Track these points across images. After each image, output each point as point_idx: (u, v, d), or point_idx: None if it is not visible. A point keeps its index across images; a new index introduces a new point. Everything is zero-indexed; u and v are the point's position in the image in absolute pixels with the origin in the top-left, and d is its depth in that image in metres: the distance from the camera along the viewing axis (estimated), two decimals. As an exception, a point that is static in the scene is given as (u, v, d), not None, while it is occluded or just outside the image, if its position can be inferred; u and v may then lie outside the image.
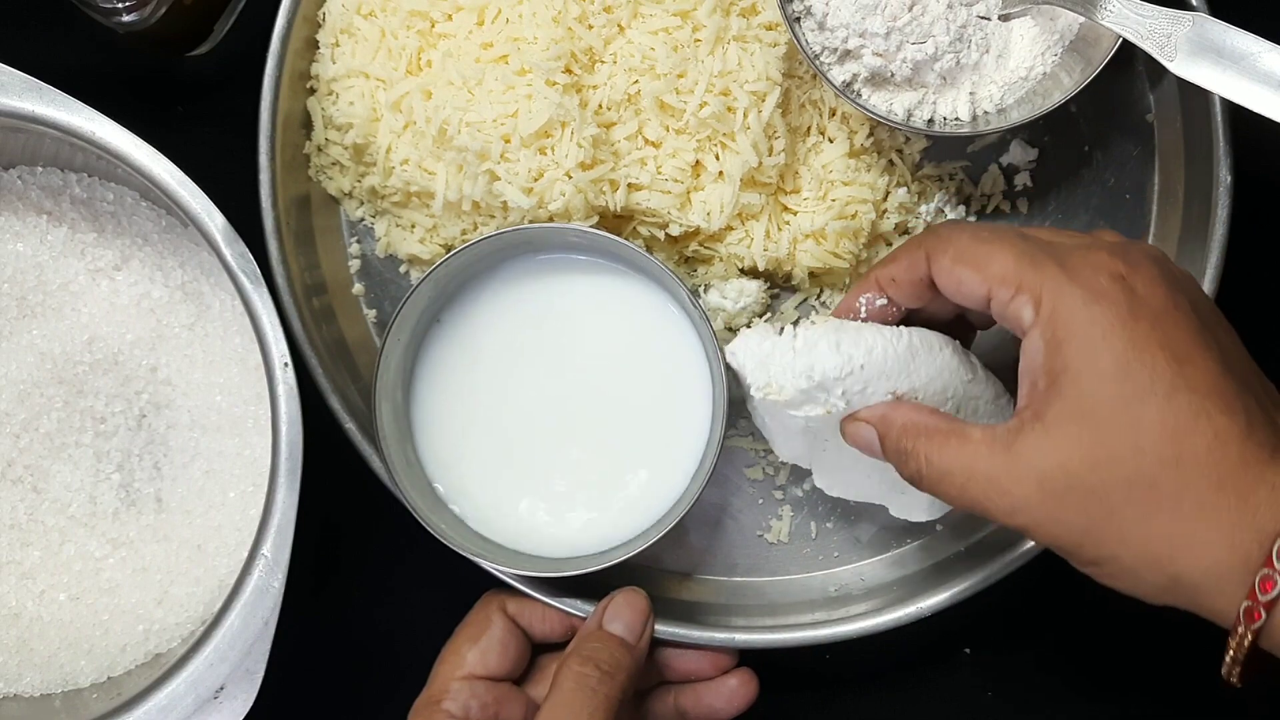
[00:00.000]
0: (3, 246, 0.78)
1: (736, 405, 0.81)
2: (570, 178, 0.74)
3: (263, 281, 0.70)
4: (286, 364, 0.70)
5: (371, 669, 0.85)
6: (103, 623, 0.76)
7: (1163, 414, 0.57)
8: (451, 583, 0.78)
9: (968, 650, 0.84)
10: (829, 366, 0.67)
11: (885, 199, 0.82)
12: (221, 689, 0.70)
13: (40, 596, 0.77)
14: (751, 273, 0.81)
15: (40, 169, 0.79)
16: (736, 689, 0.78)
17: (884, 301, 0.69)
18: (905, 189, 0.82)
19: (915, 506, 0.75)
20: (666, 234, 0.79)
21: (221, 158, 0.77)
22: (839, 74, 0.76)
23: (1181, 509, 0.56)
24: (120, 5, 0.75)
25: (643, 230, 0.79)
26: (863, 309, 0.69)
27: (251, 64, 0.78)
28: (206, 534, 0.77)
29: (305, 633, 0.75)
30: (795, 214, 0.80)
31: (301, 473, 0.70)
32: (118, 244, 0.78)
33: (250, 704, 0.70)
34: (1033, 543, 0.77)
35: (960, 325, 0.72)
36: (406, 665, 0.78)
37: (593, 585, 0.77)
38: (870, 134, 0.80)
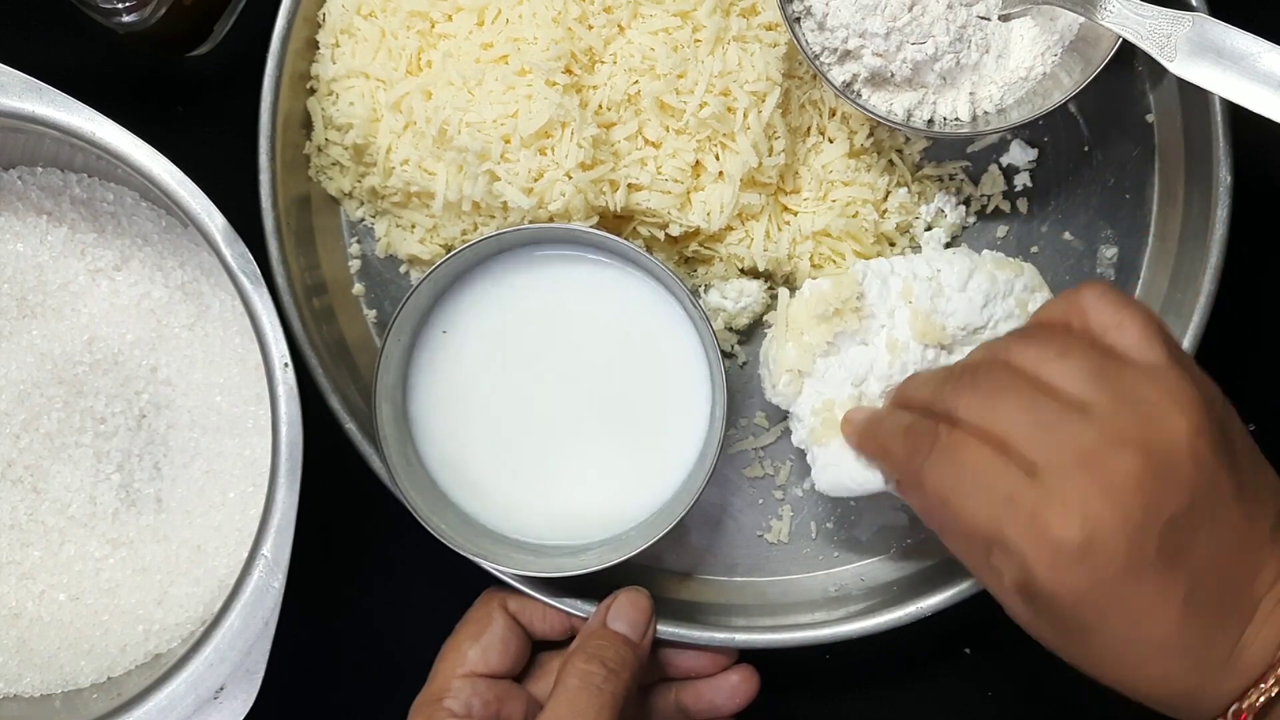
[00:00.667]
0: (3, 247, 0.78)
1: (736, 404, 0.82)
2: (570, 178, 0.74)
3: (263, 282, 0.70)
4: (286, 364, 0.70)
5: (372, 668, 0.85)
6: (103, 623, 0.76)
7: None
8: (451, 582, 0.78)
9: (968, 650, 0.84)
10: None
11: (885, 199, 0.82)
12: (221, 689, 0.70)
13: (40, 597, 0.77)
14: (752, 273, 0.81)
15: (40, 169, 0.79)
16: (738, 685, 0.78)
17: None
18: (905, 189, 0.82)
19: None
20: (666, 234, 0.79)
21: (221, 158, 0.77)
22: (839, 74, 0.76)
23: None
24: (120, 5, 0.75)
25: (643, 230, 0.79)
26: None
27: (252, 64, 0.78)
28: (206, 534, 0.77)
29: (305, 633, 0.75)
30: (795, 214, 0.80)
31: (301, 473, 0.70)
32: (118, 244, 0.78)
33: (250, 704, 0.70)
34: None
35: None
36: (407, 664, 0.78)
37: (593, 585, 0.77)
38: (870, 134, 0.80)
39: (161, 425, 0.78)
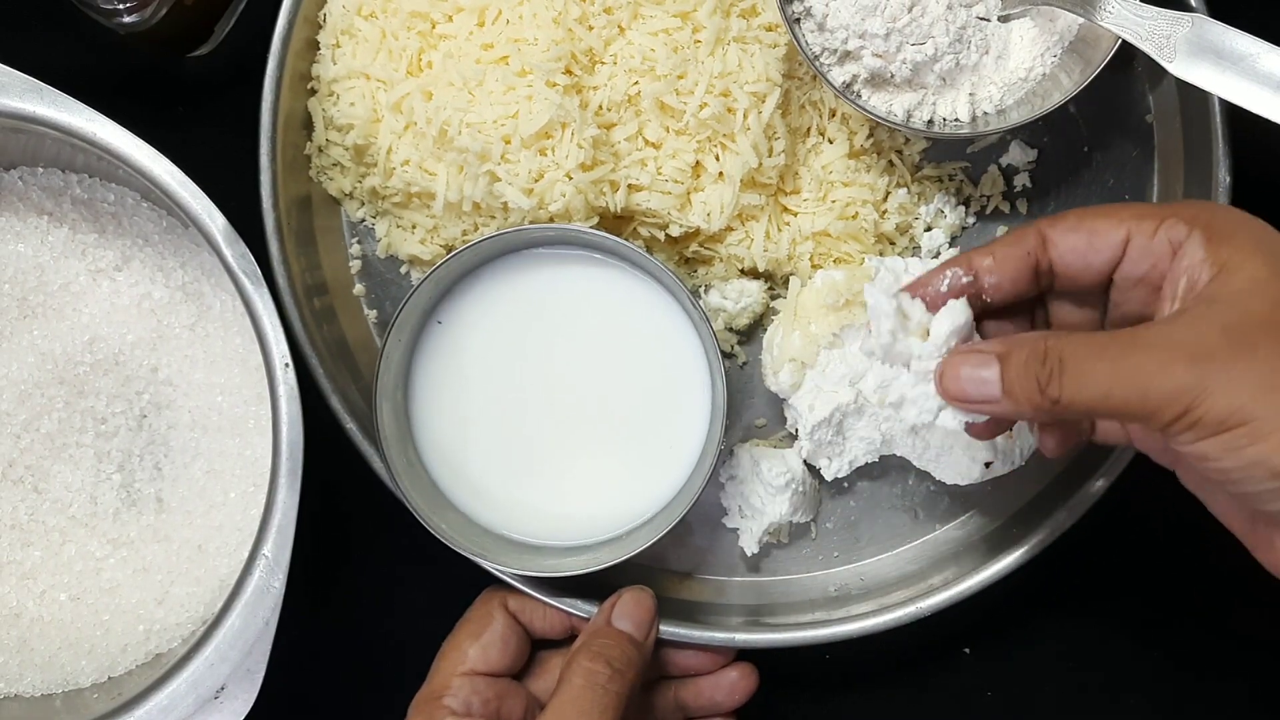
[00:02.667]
0: (4, 247, 0.78)
1: (736, 404, 0.82)
2: (570, 178, 0.74)
3: (263, 282, 0.70)
4: (287, 364, 0.70)
5: (372, 668, 0.85)
6: (103, 623, 0.76)
7: None
8: (451, 581, 0.79)
9: (967, 650, 0.84)
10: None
11: (885, 200, 0.82)
12: (222, 689, 0.70)
13: (41, 597, 0.77)
14: (752, 273, 0.82)
15: (41, 170, 0.79)
16: (737, 681, 0.79)
17: (969, 279, 0.65)
18: (905, 190, 0.82)
19: (960, 467, 0.75)
20: (667, 235, 0.79)
21: (222, 158, 0.77)
22: (839, 75, 0.76)
23: None
24: (121, 6, 0.75)
25: (643, 231, 0.79)
26: (944, 283, 0.65)
27: (252, 65, 0.78)
28: (207, 534, 0.77)
29: (306, 633, 0.75)
30: (795, 215, 0.80)
31: (302, 473, 0.70)
32: (119, 245, 0.78)
33: (251, 704, 0.71)
34: (1034, 541, 0.77)
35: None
36: (407, 664, 0.79)
37: (594, 585, 0.77)
38: (870, 135, 0.80)
39: (162, 425, 0.78)
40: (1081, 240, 0.62)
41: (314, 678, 0.83)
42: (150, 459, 0.78)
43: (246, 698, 0.70)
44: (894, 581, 0.81)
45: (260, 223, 0.78)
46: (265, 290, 0.70)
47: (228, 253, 0.70)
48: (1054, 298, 0.67)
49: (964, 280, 0.65)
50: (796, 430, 0.78)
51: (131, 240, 0.78)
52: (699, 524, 0.82)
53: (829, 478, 0.79)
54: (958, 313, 0.64)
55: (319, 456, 0.71)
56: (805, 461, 0.79)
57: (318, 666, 0.83)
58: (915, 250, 0.83)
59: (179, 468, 0.78)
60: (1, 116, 0.71)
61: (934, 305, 0.65)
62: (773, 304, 0.82)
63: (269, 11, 0.79)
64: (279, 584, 0.69)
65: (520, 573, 0.76)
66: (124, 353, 0.78)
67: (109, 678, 0.76)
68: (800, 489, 0.78)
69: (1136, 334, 0.57)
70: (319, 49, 0.80)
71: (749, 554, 0.80)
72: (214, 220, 0.70)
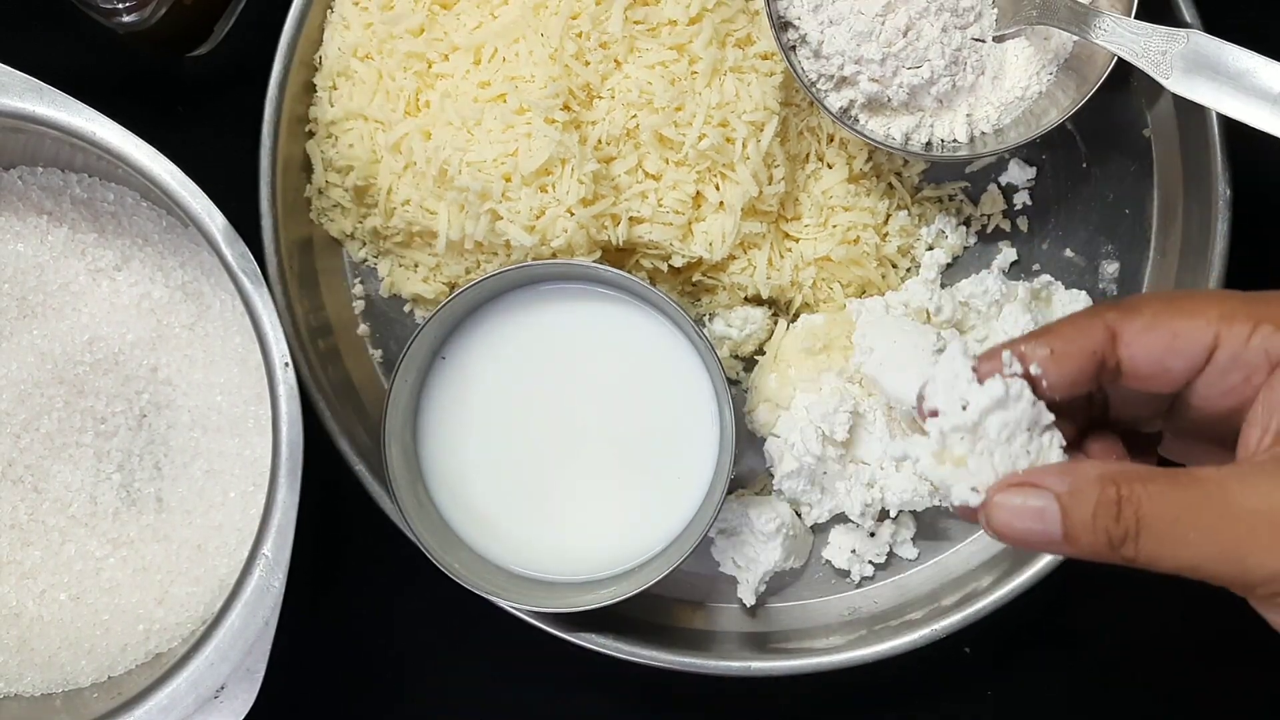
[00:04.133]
0: (3, 247, 0.78)
1: (744, 435, 0.82)
2: (572, 214, 0.74)
3: (263, 281, 0.70)
4: (287, 364, 0.70)
5: (372, 667, 0.84)
6: (103, 622, 0.76)
7: None
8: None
9: (968, 650, 0.84)
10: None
11: (886, 222, 0.82)
12: (222, 689, 0.70)
13: (41, 596, 0.77)
14: (755, 300, 0.82)
15: (41, 169, 0.79)
16: None
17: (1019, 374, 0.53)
18: (906, 212, 0.82)
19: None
20: (669, 266, 0.79)
21: (222, 158, 0.77)
22: (836, 100, 0.77)
23: None
24: (120, 6, 0.75)
25: (646, 263, 0.79)
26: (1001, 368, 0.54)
27: (252, 64, 0.79)
28: (207, 534, 0.77)
29: (306, 632, 0.75)
30: (797, 241, 0.80)
31: (302, 472, 0.69)
32: (118, 244, 0.78)
33: (251, 704, 0.70)
34: (1048, 557, 0.77)
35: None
36: (406, 664, 0.79)
37: (608, 618, 0.77)
38: (869, 158, 0.80)
39: (162, 425, 0.78)
40: (1160, 342, 0.52)
41: (314, 677, 0.83)
42: (150, 458, 0.77)
43: (246, 697, 0.70)
44: (906, 604, 0.81)
45: (259, 222, 0.78)
46: (265, 290, 0.70)
47: (227, 252, 0.70)
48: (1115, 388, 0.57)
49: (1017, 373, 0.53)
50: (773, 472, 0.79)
51: (131, 240, 0.78)
52: (709, 552, 0.82)
53: (809, 523, 0.80)
54: (1005, 398, 0.52)
55: (319, 456, 0.71)
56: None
57: (318, 666, 0.83)
58: (917, 269, 0.83)
59: (179, 467, 0.78)
60: (1, 116, 0.71)
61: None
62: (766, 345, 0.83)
63: (269, 10, 0.79)
64: (279, 583, 0.69)
65: (534, 609, 0.76)
66: (124, 352, 0.77)
67: (109, 677, 0.76)
68: (790, 533, 0.78)
69: (1229, 489, 0.48)
70: (316, 91, 0.80)
71: (748, 605, 0.80)
72: (213, 219, 0.70)
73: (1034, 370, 0.53)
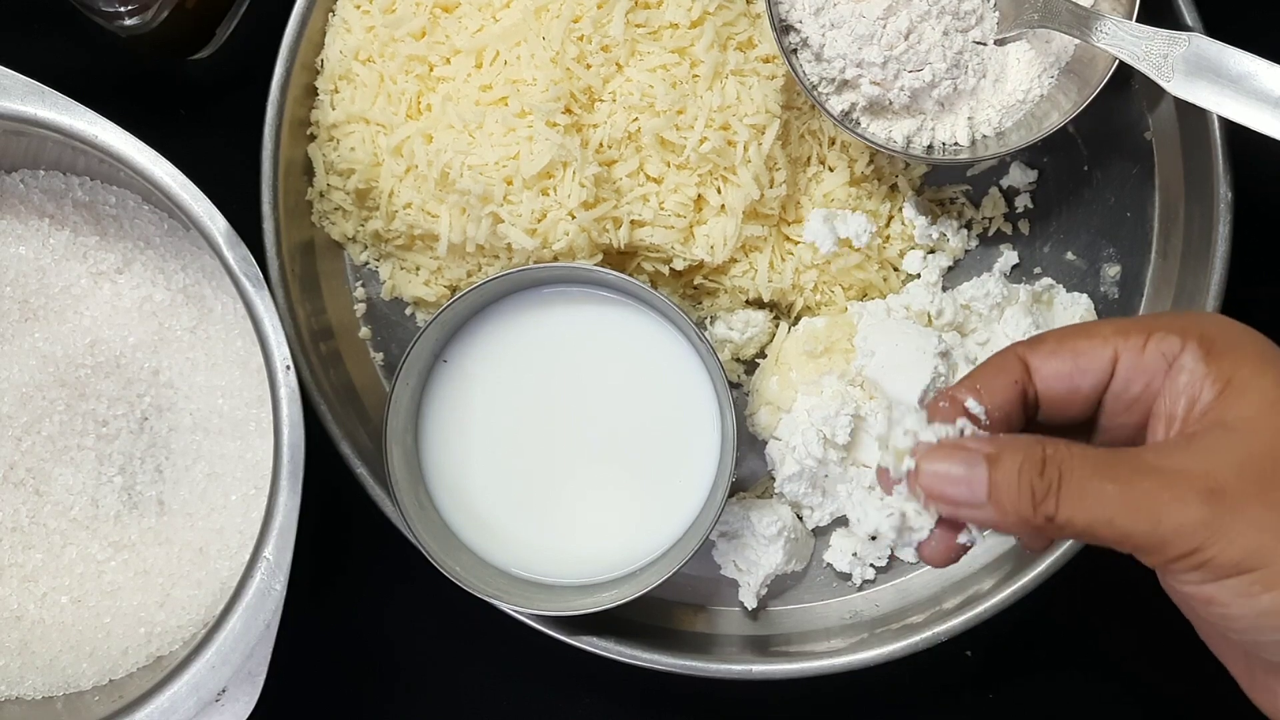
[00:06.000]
0: (5, 250, 0.78)
1: (745, 438, 0.82)
2: (573, 217, 0.74)
3: (265, 284, 0.70)
4: (288, 367, 0.70)
5: (373, 671, 0.84)
6: (104, 625, 0.76)
7: None
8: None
9: (968, 652, 0.84)
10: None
11: (888, 226, 0.82)
12: (223, 692, 0.70)
13: (42, 599, 0.77)
14: (757, 303, 0.82)
15: (43, 172, 0.79)
16: None
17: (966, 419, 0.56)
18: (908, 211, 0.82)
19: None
20: (671, 269, 0.79)
21: (223, 161, 0.77)
22: (837, 104, 0.77)
23: None
24: (122, 9, 0.75)
25: (647, 266, 0.79)
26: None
27: (254, 67, 0.79)
28: (208, 537, 0.77)
29: (307, 635, 0.75)
30: (798, 244, 0.80)
31: (303, 475, 0.69)
32: (120, 247, 0.78)
33: (252, 707, 0.70)
34: (1048, 561, 0.77)
35: None
36: (407, 667, 0.79)
37: (609, 621, 0.77)
38: (870, 161, 0.80)
39: (163, 428, 0.78)
40: (1065, 364, 0.56)
41: (315, 680, 0.83)
42: (151, 461, 0.77)
43: (247, 700, 0.70)
44: (908, 606, 0.81)
45: (260, 225, 0.78)
46: (266, 293, 0.70)
47: (229, 255, 0.70)
48: (1037, 428, 0.58)
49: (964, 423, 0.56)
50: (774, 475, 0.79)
51: (133, 243, 0.78)
52: (709, 555, 0.82)
53: (810, 526, 0.80)
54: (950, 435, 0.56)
55: (320, 459, 0.71)
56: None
57: (319, 669, 0.83)
58: (917, 274, 0.83)
59: (180, 470, 0.78)
60: (3, 119, 0.71)
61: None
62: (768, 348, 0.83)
63: (271, 14, 0.79)
64: (280, 586, 0.69)
65: (535, 612, 0.76)
66: (125, 355, 0.77)
67: (110, 680, 0.76)
68: (792, 536, 0.78)
69: (1144, 456, 0.52)
70: (317, 95, 0.80)
71: (749, 608, 0.80)
72: (215, 223, 0.70)
73: (972, 408, 0.56)
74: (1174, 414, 0.54)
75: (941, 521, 0.56)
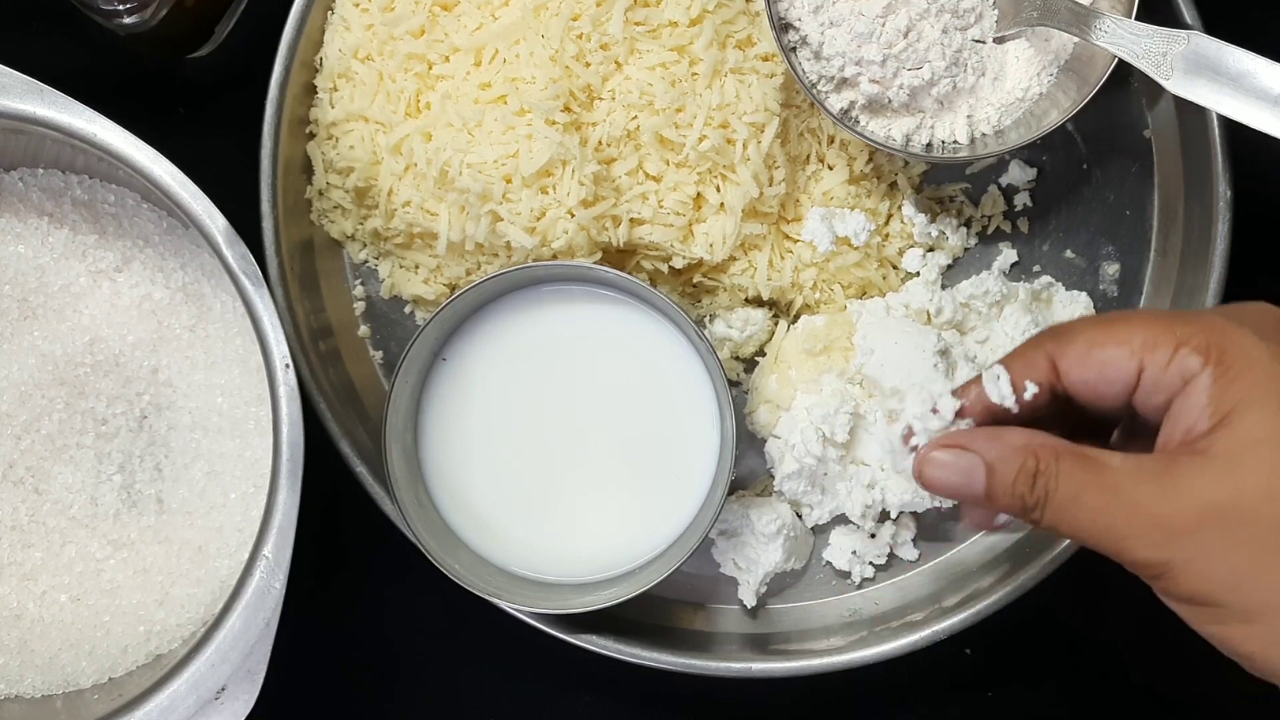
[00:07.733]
0: (4, 248, 0.78)
1: (745, 436, 0.82)
2: (572, 215, 0.74)
3: (264, 283, 0.70)
4: (288, 365, 0.70)
5: (373, 669, 0.84)
6: (104, 624, 0.76)
7: None
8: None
9: (968, 650, 0.84)
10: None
11: (887, 224, 0.82)
12: (223, 690, 0.70)
13: (42, 598, 0.77)
14: (756, 302, 0.82)
15: (41, 171, 0.78)
16: None
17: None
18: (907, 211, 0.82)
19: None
20: (670, 267, 0.79)
21: (223, 159, 0.77)
22: (836, 102, 0.77)
23: None
24: (121, 7, 0.75)
25: (646, 264, 0.79)
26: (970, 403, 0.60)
27: (253, 65, 0.79)
28: (208, 535, 0.77)
29: (306, 634, 0.74)
30: (797, 242, 0.80)
31: (303, 474, 0.69)
32: (119, 246, 0.78)
33: (251, 705, 0.70)
34: (1046, 559, 0.77)
35: None
36: (407, 666, 0.78)
37: (608, 620, 0.77)
38: (869, 160, 0.80)
39: (163, 426, 0.77)
40: (1092, 374, 0.57)
41: (315, 678, 0.83)
42: (151, 460, 0.77)
43: (247, 699, 0.70)
44: (907, 605, 0.81)
45: (260, 223, 0.78)
46: (265, 291, 0.70)
47: (228, 253, 0.70)
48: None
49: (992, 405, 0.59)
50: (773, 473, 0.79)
51: (132, 241, 0.78)
52: (710, 553, 0.82)
53: (809, 524, 0.80)
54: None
55: (319, 458, 0.71)
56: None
57: (318, 667, 0.83)
58: (916, 272, 0.83)
59: (179, 469, 0.77)
60: (2, 118, 0.71)
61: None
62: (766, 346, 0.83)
63: (270, 12, 0.79)
64: (280, 585, 0.69)
65: (534, 610, 0.76)
66: (124, 354, 0.77)
67: (109, 679, 0.76)
68: (791, 534, 0.78)
69: (1121, 484, 0.54)
70: (316, 93, 0.80)
71: (748, 606, 0.80)
72: (214, 221, 0.70)
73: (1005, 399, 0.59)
74: (1171, 436, 0.55)
75: None
